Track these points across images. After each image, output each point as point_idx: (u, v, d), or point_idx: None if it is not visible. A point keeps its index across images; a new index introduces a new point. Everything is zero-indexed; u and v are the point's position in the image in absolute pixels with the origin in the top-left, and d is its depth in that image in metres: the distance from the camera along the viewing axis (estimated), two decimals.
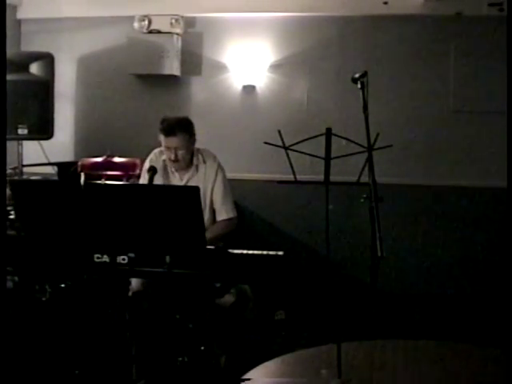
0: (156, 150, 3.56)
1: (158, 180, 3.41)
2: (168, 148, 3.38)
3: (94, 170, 4.14)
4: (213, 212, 3.50)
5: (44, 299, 3.21)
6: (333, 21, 4.60)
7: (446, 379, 2.20)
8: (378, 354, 2.38)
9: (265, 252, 2.58)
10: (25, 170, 4.38)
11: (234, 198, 3.60)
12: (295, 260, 4.33)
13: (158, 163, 3.46)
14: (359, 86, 2.50)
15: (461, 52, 4.42)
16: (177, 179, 3.49)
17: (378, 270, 2.30)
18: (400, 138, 4.31)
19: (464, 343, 2.54)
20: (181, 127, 3.36)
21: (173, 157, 3.37)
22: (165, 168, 3.50)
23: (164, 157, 3.46)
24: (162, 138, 3.38)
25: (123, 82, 4.86)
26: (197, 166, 3.48)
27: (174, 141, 3.35)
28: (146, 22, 4.65)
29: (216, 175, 3.47)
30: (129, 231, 2.44)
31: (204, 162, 3.49)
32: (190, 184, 3.40)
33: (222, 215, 3.48)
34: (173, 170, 3.49)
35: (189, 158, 3.45)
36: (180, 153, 3.37)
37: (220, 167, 3.50)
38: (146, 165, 3.51)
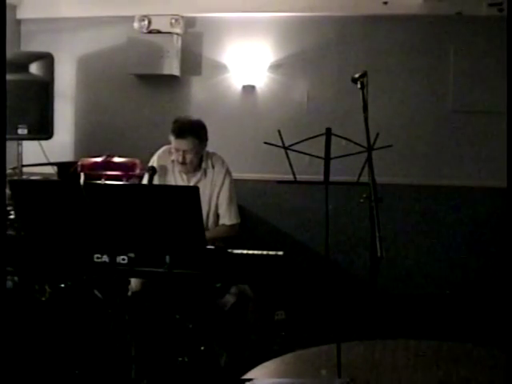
0: (165, 147, 3.52)
1: (169, 178, 3.43)
2: (176, 150, 3.36)
3: (94, 170, 4.14)
4: (218, 217, 3.49)
5: (44, 299, 3.20)
6: (333, 21, 4.60)
7: (445, 379, 2.19)
8: (378, 353, 2.38)
9: (265, 252, 2.58)
10: (25, 169, 4.38)
11: None
12: (295, 260, 4.34)
13: (166, 161, 3.46)
14: (359, 86, 2.50)
15: (461, 52, 4.43)
16: (184, 182, 3.47)
17: (378, 270, 2.30)
18: (400, 138, 4.31)
19: (464, 343, 2.54)
20: (192, 131, 3.32)
21: (180, 159, 3.35)
22: (173, 168, 3.49)
23: (173, 157, 3.44)
24: (172, 138, 3.35)
25: (123, 81, 4.86)
26: (205, 171, 3.45)
27: (184, 144, 3.32)
28: (146, 22, 4.65)
29: (223, 180, 3.45)
30: (129, 231, 2.44)
31: (213, 166, 3.46)
32: None
33: (225, 220, 3.47)
34: (180, 171, 3.48)
35: (197, 161, 3.42)
36: (188, 156, 3.34)
37: (228, 172, 3.48)
38: (154, 160, 3.50)
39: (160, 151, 3.55)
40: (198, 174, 3.46)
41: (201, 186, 3.34)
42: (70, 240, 2.49)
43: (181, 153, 3.34)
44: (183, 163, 3.37)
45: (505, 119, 3.87)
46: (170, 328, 2.93)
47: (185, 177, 3.48)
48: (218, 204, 3.46)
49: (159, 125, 4.51)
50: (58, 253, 2.54)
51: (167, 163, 3.47)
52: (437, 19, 4.45)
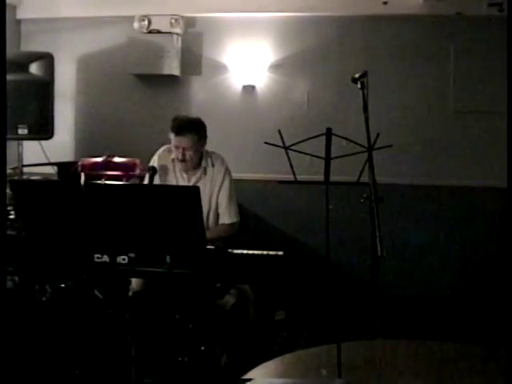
0: (165, 147, 3.56)
1: (170, 177, 3.44)
2: (176, 147, 3.39)
3: (94, 170, 4.13)
4: (218, 215, 3.50)
5: (44, 299, 3.20)
6: (333, 21, 4.60)
7: (446, 379, 2.20)
8: (378, 353, 2.38)
9: (265, 252, 2.58)
10: (25, 169, 4.38)
11: None
12: (295, 260, 4.33)
13: (167, 161, 3.47)
14: (359, 86, 2.50)
15: (461, 52, 4.42)
16: (185, 180, 3.49)
17: (378, 270, 2.30)
18: (400, 138, 4.30)
19: (464, 343, 2.54)
20: (191, 128, 3.36)
21: (180, 156, 3.38)
22: (174, 167, 3.51)
23: (173, 155, 3.46)
24: (171, 136, 3.39)
25: (123, 81, 4.86)
26: (205, 169, 3.48)
27: (183, 141, 3.35)
28: (146, 22, 4.65)
29: (223, 179, 3.48)
30: (129, 231, 2.44)
31: (212, 165, 3.49)
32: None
33: (224, 219, 3.49)
34: (180, 170, 3.49)
35: (197, 159, 3.45)
36: (188, 153, 3.37)
37: (227, 171, 3.51)
38: (155, 160, 3.51)
39: (160, 151, 3.57)
40: (198, 173, 3.47)
41: (201, 184, 3.36)
42: (70, 240, 2.49)
43: (180, 150, 3.37)
44: (183, 160, 3.39)
45: (505, 119, 3.86)
46: (170, 328, 2.93)
47: (185, 175, 3.49)
48: (218, 203, 3.48)
49: (159, 125, 4.49)
50: (59, 253, 2.54)
51: (168, 162, 3.49)
52: (437, 19, 4.45)
